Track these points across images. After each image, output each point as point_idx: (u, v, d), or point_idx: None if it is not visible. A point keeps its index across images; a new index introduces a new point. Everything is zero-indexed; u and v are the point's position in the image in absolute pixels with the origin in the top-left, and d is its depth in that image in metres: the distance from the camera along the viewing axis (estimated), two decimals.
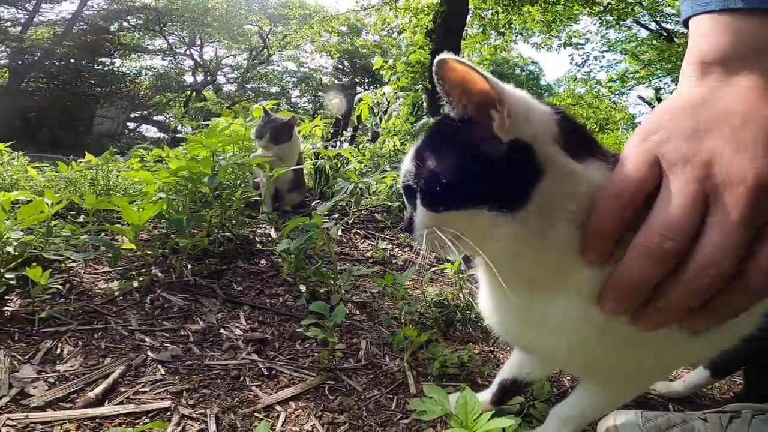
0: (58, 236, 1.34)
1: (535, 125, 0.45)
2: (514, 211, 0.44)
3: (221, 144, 1.47)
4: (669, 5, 9.59)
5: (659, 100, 11.50)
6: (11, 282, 1.06)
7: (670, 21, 10.55)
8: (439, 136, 0.50)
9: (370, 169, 2.38)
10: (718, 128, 0.40)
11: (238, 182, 1.68)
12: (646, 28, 11.44)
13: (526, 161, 0.44)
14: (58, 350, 0.88)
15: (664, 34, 10.60)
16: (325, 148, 2.83)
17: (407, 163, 0.52)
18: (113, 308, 1.08)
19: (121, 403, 0.77)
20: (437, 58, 0.44)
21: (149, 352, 0.92)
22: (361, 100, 2.37)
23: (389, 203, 2.13)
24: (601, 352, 0.53)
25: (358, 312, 1.24)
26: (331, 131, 4.31)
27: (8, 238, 1.14)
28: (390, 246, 1.81)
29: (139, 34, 17.72)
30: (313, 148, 2.70)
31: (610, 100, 13.87)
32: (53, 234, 1.32)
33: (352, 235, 1.96)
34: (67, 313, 1.01)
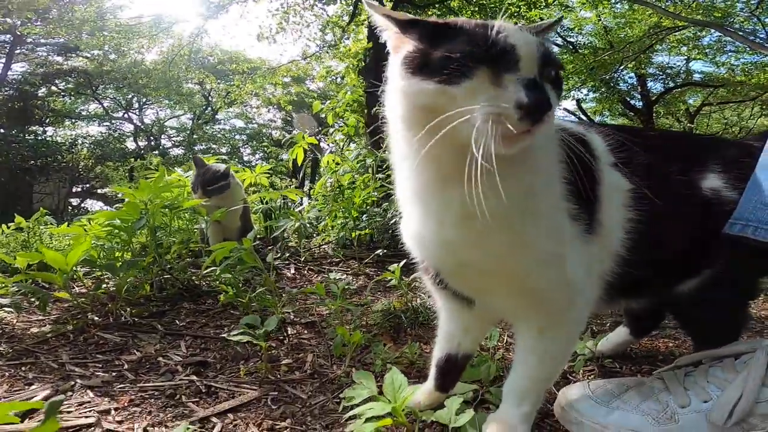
0: None
1: None
2: None
3: (154, 195, 1.50)
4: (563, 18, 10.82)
5: (582, 110, 12.42)
6: None
7: (571, 34, 11.79)
8: None
9: (322, 210, 2.46)
10: None
11: (176, 229, 1.72)
12: (555, 44, 12.70)
13: None
14: None
15: (570, 47, 11.73)
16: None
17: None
18: (45, 347, 1.09)
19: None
20: None
21: (78, 380, 0.93)
22: (294, 143, 2.35)
23: (341, 237, 2.21)
24: (498, 242, 0.61)
25: (306, 332, 1.28)
26: (291, 181, 4.41)
27: None
28: (343, 276, 1.87)
29: (70, 99, 17.54)
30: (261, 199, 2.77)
31: None
32: None
33: (306, 272, 2.01)
34: None
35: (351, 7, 9.27)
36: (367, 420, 0.73)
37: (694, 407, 0.74)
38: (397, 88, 0.59)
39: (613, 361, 1.13)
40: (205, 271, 1.62)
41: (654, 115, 11.98)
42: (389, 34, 0.63)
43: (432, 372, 0.88)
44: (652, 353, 1.20)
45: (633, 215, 0.69)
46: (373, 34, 7.89)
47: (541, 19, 9.99)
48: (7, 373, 0.96)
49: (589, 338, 1.17)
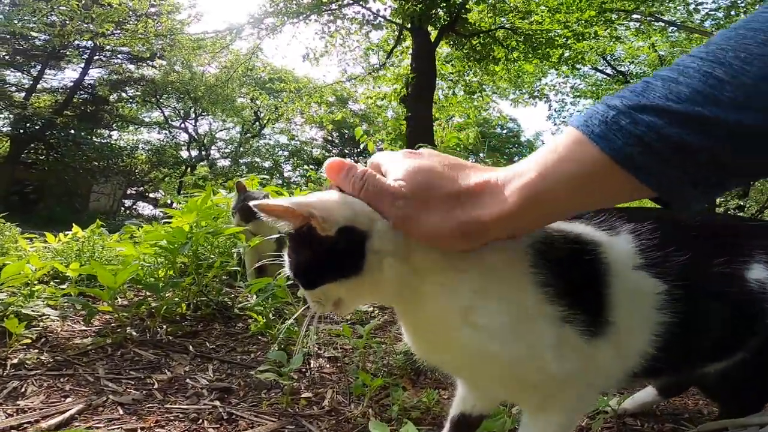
0: (39, 298, 1.47)
1: (351, 211, 0.60)
2: (360, 271, 0.60)
3: (200, 218, 1.61)
4: (613, 49, 10.54)
5: None
6: None
7: (622, 63, 11.46)
8: (294, 241, 0.66)
9: None
10: None
11: (217, 251, 1.81)
12: (603, 72, 12.37)
13: (352, 236, 0.59)
14: (23, 389, 0.95)
15: (621, 76, 11.44)
16: None
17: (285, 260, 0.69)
18: (84, 359, 1.16)
19: None
20: (253, 204, 0.61)
21: (111, 395, 0.99)
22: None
23: None
24: (478, 350, 0.62)
25: (328, 365, 1.30)
26: None
27: None
28: (370, 308, 1.89)
29: (136, 105, 18.81)
30: None
31: None
32: (34, 296, 1.45)
33: None
34: (38, 361, 1.10)
35: (396, 33, 9.53)
36: None
37: None
38: None
39: (636, 418, 1.09)
40: (239, 297, 1.68)
41: None
42: None
43: (447, 425, 0.88)
44: (679, 410, 1.15)
45: (666, 318, 0.67)
46: (416, 63, 8.07)
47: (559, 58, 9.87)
48: (45, 384, 1.03)
49: (612, 396, 1.13)
